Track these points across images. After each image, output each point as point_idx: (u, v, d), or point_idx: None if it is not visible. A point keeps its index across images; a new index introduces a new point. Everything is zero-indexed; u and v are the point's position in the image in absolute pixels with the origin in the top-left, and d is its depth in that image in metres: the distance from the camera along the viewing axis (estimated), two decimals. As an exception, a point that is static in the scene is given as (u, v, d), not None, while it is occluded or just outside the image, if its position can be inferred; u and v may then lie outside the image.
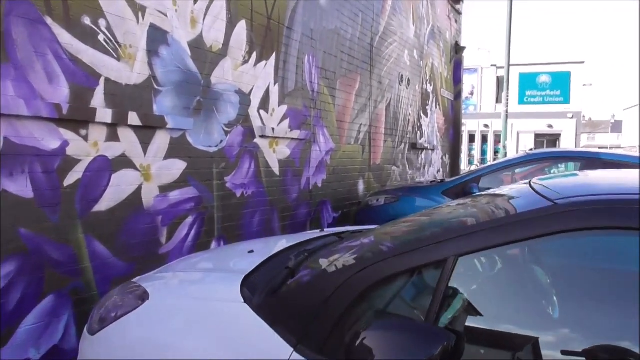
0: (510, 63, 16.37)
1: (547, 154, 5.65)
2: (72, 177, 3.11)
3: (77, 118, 3.08)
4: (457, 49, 11.97)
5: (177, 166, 3.87)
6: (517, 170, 5.54)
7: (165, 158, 3.76)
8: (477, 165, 29.92)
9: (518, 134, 32.60)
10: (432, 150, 10.26)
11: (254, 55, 4.68)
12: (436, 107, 10.50)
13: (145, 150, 3.58)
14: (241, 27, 4.50)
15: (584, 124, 32.40)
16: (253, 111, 4.69)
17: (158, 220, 3.72)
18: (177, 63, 3.82)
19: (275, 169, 5.06)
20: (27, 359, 2.88)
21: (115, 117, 3.30)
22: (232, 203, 4.46)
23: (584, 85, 33.82)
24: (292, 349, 1.45)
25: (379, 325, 1.26)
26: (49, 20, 2.93)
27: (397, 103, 8.27)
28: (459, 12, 12.21)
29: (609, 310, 1.33)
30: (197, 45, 4.01)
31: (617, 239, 1.33)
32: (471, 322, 1.38)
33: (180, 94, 3.86)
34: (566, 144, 32.29)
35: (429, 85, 9.94)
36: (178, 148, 3.86)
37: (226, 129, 4.36)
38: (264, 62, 4.82)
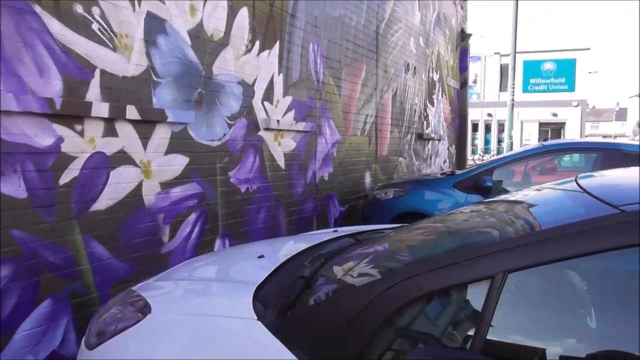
0: (511, 52, 16.09)
1: (563, 144, 5.44)
2: (68, 175, 2.94)
3: (72, 113, 2.90)
4: (463, 36, 11.72)
5: (179, 162, 3.70)
6: (531, 162, 5.34)
7: (166, 153, 3.59)
8: (480, 154, 29.65)
9: (522, 122, 32.29)
10: (439, 140, 10.06)
11: (257, 44, 4.49)
12: (442, 96, 10.28)
13: (145, 145, 3.41)
14: (243, 15, 4.30)
15: (587, 112, 31.93)
16: (257, 103, 4.50)
17: (160, 218, 3.55)
18: (176, 53, 3.64)
19: (281, 162, 4.88)
20: (24, 367, 2.74)
21: (112, 111, 3.12)
22: (237, 199, 4.29)
23: (590, 72, 33.41)
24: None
25: (416, 355, 1.09)
26: (37, 9, 2.74)
27: (404, 92, 8.07)
28: (464, -1, 11.95)
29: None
30: (197, 34, 3.82)
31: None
32: (525, 352, 1.18)
33: (181, 85, 3.68)
34: (571, 133, 31.98)
35: (435, 73, 9.72)
36: (179, 143, 3.68)
37: (229, 121, 4.18)
38: (267, 52, 4.63)
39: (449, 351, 1.15)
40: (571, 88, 32.87)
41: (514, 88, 14.91)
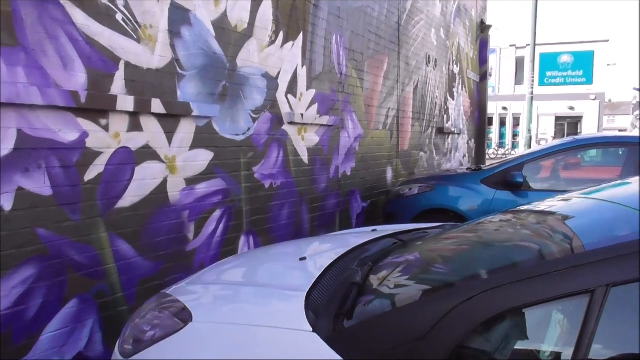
0: (530, 43, 15.76)
1: (597, 139, 5.22)
2: (93, 171, 2.84)
3: (97, 107, 2.80)
4: (483, 28, 11.48)
5: (204, 157, 3.59)
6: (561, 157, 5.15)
7: (191, 148, 3.48)
8: (495, 149, 29.26)
9: (538, 116, 31.82)
10: (459, 134, 9.87)
11: (281, 35, 4.35)
12: (462, 89, 10.08)
13: (169, 140, 3.30)
14: (267, 5, 4.17)
15: (604, 106, 31.28)
16: (281, 96, 4.38)
17: (184, 216, 3.45)
18: (200, 45, 3.52)
19: (304, 157, 4.76)
20: (50, 369, 2.65)
21: (137, 105, 3.01)
22: (261, 195, 4.17)
23: (608, 65, 32.78)
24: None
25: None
26: (62, -2, 2.63)
27: (424, 85, 7.89)
28: (483, -11, 11.69)
29: None
30: (221, 25, 3.70)
31: None
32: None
33: (205, 78, 3.56)
34: (588, 126, 31.44)
35: (455, 66, 9.51)
36: (204, 137, 3.57)
37: (253, 115, 4.06)
38: (290, 43, 4.50)
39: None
40: (589, 81, 32.30)
41: (533, 81, 14.62)
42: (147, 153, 3.16)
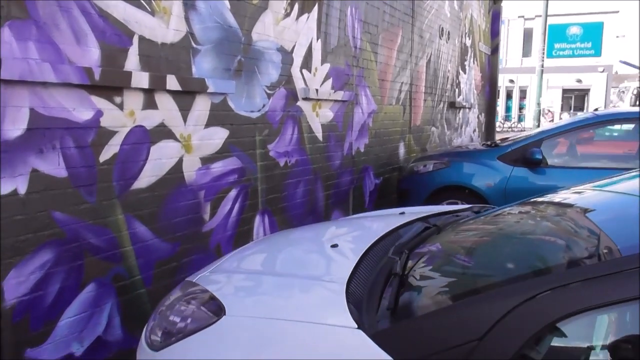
0: (542, 14, 15.35)
1: (619, 114, 5.09)
2: (109, 151, 2.74)
3: (111, 84, 2.68)
4: (495, -1, 11.15)
5: (219, 135, 3.47)
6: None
7: (207, 126, 3.36)
8: (501, 122, 28.95)
9: (547, 88, 31.39)
10: (469, 109, 9.69)
11: (296, 7, 4.18)
12: (474, 63, 9.85)
13: (185, 118, 3.19)
14: (281, -25, 3.98)
15: (612, 78, 30.79)
16: (295, 71, 4.23)
17: (201, 196, 3.36)
18: (215, 17, 3.36)
19: (319, 134, 4.64)
20: (70, 353, 2.61)
21: (152, 81, 2.88)
22: (276, 173, 4.07)
23: (617, 37, 32.13)
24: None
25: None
26: (74, -32, 2.48)
27: (437, 59, 7.69)
28: (496, -42, 11.32)
29: None
30: (236, -4, 3.53)
31: None
32: None
33: (221, 53, 3.42)
34: (595, 99, 31.05)
35: (467, 38, 9.27)
36: (219, 115, 3.45)
37: (268, 91, 3.92)
38: (305, 15, 4.32)
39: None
40: (597, 53, 31.73)
41: (543, 54, 14.31)
42: (163, 132, 3.05)
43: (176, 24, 3.08)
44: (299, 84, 4.27)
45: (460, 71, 8.96)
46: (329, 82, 4.74)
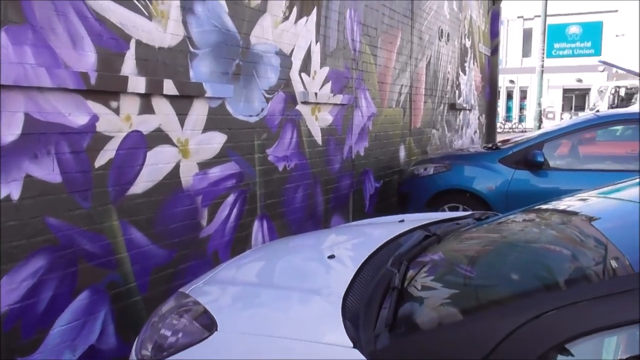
0: (541, 14, 15.29)
1: (621, 115, 5.05)
2: (104, 156, 2.70)
3: (107, 88, 2.65)
4: None
5: (217, 139, 3.44)
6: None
7: (204, 131, 3.33)
8: (502, 122, 28.90)
9: (548, 88, 31.34)
10: (470, 110, 9.66)
11: (294, 10, 4.14)
12: (474, 64, 9.82)
13: (182, 122, 3.15)
14: (280, -22, 3.95)
15: (612, 77, 30.79)
16: (294, 74, 4.20)
17: (198, 201, 3.33)
18: (213, 21, 3.33)
19: (318, 138, 4.60)
20: (63, 362, 2.57)
21: (149, 86, 2.85)
22: (275, 178, 4.04)
23: (617, 36, 32.08)
24: None
25: None
26: (69, -28, 2.45)
27: (437, 60, 7.66)
28: (497, -41, 11.28)
29: None
30: (234, -1, 3.50)
31: None
32: None
33: (218, 57, 3.38)
34: (596, 98, 30.95)
35: (467, 40, 9.23)
36: (217, 119, 3.42)
37: (267, 95, 3.89)
38: (304, 19, 4.29)
39: None
40: (597, 52, 31.66)
41: (543, 54, 14.28)
42: (159, 136, 3.02)
43: (174, 28, 3.04)
44: (297, 88, 4.24)
45: (460, 72, 8.93)
46: (328, 85, 4.70)
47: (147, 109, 2.91)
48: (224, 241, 3.56)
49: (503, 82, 32.00)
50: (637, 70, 22.58)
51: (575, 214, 2.00)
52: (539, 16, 15.46)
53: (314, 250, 2.13)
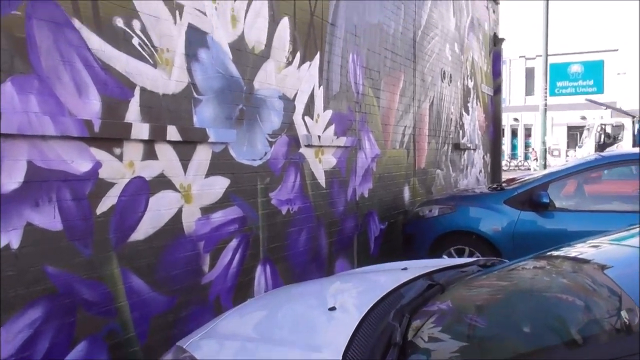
0: (543, 54, 15.50)
1: (624, 156, 5.04)
2: (106, 203, 2.70)
3: (111, 135, 2.67)
4: (496, 41, 11.32)
5: (220, 184, 3.44)
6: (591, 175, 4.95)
7: (207, 176, 3.33)
8: (507, 160, 28.94)
9: (552, 126, 31.50)
10: (474, 149, 9.68)
11: (298, 55, 4.22)
12: (477, 104, 9.90)
13: (185, 167, 3.16)
14: (284, 25, 4.04)
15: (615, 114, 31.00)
16: (297, 118, 4.23)
17: (200, 247, 3.29)
18: (217, 67, 3.38)
19: (322, 180, 4.60)
20: (58, 416, 2.49)
21: (152, 132, 2.87)
22: (278, 221, 4.01)
23: (618, 74, 32.46)
24: None
25: None
26: (76, 23, 2.51)
27: (440, 101, 7.73)
28: (496, 2, 11.56)
29: None
30: (238, 46, 3.57)
31: None
32: None
33: (222, 102, 3.42)
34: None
35: (469, 80, 9.35)
36: (220, 163, 3.42)
37: (270, 139, 3.91)
38: (307, 63, 4.36)
39: None
40: (600, 90, 32.01)
41: (546, 93, 14.41)
42: (162, 182, 3.02)
43: (178, 75, 3.09)
44: (301, 131, 4.27)
45: (464, 112, 8.99)
46: (332, 128, 4.74)
47: (150, 154, 2.92)
48: (226, 287, 3.50)
49: (507, 120, 32.23)
50: (623, 108, 22.99)
51: (587, 261, 1.96)
52: (541, 56, 15.69)
53: (315, 300, 2.08)
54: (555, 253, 2.13)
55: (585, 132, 23.72)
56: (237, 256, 3.61)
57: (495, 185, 5.80)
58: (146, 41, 2.88)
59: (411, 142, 6.65)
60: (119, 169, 2.76)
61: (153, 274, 2.96)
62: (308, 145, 4.35)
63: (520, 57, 33.54)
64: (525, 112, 32.19)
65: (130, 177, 2.82)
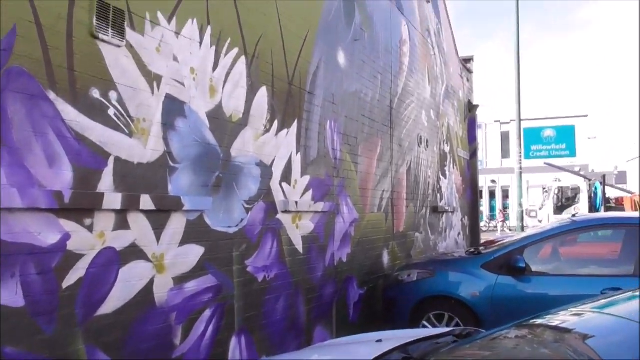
0: (516, 119, 16.08)
1: (596, 220, 5.14)
2: (73, 276, 2.61)
3: (82, 206, 2.62)
4: (471, 108, 11.75)
5: (194, 252, 3.37)
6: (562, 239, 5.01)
7: (181, 244, 3.27)
8: (487, 222, 29.22)
9: (528, 188, 32.17)
10: (452, 212, 9.77)
11: (275, 123, 4.29)
12: (454, 168, 10.11)
13: (158, 237, 3.10)
14: (262, 94, 4.14)
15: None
16: (275, 184, 4.24)
17: (172, 318, 3.18)
18: (195, 136, 3.41)
19: (299, 246, 4.55)
20: None
21: (125, 201, 2.84)
22: (254, 289, 3.92)
23: (589, 138, 33.74)
24: None
25: None
26: (51, 95, 2.53)
27: (417, 166, 7.87)
28: (470, 71, 12.09)
29: None
30: (216, 115, 3.62)
31: None
32: None
33: (198, 170, 3.42)
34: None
35: (446, 145, 9.59)
36: (195, 231, 3.38)
37: (247, 205, 3.89)
38: (285, 130, 4.43)
39: None
40: (572, 154, 33.10)
41: (521, 156, 14.80)
42: (134, 252, 2.95)
43: (154, 144, 3.10)
44: (278, 197, 4.27)
45: (441, 176, 9.15)
46: (309, 193, 4.75)
47: (122, 224, 2.87)
48: (198, 361, 3.35)
49: (485, 182, 32.86)
50: (579, 171, 24.05)
51: (569, 331, 1.95)
52: (515, 120, 16.26)
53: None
54: (537, 321, 2.12)
55: (544, 195, 24.61)
56: (211, 327, 3.48)
57: (472, 250, 5.81)
58: (122, 112, 2.90)
59: (389, 206, 6.69)
60: (89, 240, 2.69)
61: (121, 349, 2.83)
62: (285, 211, 4.34)
63: (495, 121, 34.71)
64: (502, 175, 32.91)
65: (100, 248, 2.75)
